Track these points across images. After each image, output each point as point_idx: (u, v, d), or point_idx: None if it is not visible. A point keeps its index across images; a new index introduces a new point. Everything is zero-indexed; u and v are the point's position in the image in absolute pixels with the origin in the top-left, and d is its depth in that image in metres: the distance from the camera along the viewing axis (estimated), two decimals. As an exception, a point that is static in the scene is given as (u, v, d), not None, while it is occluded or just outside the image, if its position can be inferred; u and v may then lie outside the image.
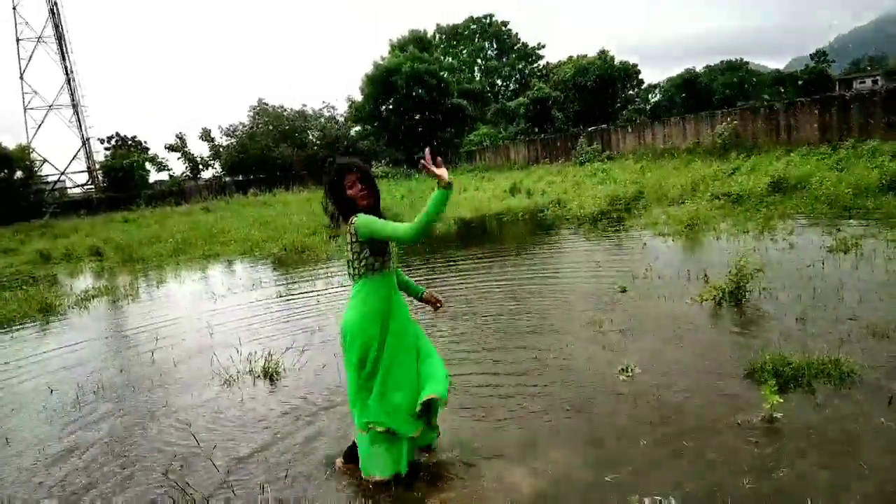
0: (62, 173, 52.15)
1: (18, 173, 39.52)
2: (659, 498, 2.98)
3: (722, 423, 3.65)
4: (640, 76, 56.01)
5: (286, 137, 51.59)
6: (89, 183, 52.12)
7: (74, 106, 52.84)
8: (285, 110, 54.31)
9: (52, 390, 5.53)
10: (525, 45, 65.88)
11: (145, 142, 52.75)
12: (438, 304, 3.73)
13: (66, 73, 53.18)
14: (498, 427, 3.93)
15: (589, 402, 4.15)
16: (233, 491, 3.43)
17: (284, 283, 9.84)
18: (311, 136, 54.13)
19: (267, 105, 54.14)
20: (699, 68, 54.33)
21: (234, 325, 7.25)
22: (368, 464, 3.34)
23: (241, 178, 49.47)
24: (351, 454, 3.52)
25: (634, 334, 5.42)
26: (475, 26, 66.23)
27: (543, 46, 65.93)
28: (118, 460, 4.00)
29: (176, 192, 44.05)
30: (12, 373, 6.23)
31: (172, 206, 35.67)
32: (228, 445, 4.03)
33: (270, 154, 49.41)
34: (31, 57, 52.86)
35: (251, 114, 53.81)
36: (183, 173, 51.59)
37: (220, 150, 51.86)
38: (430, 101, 46.18)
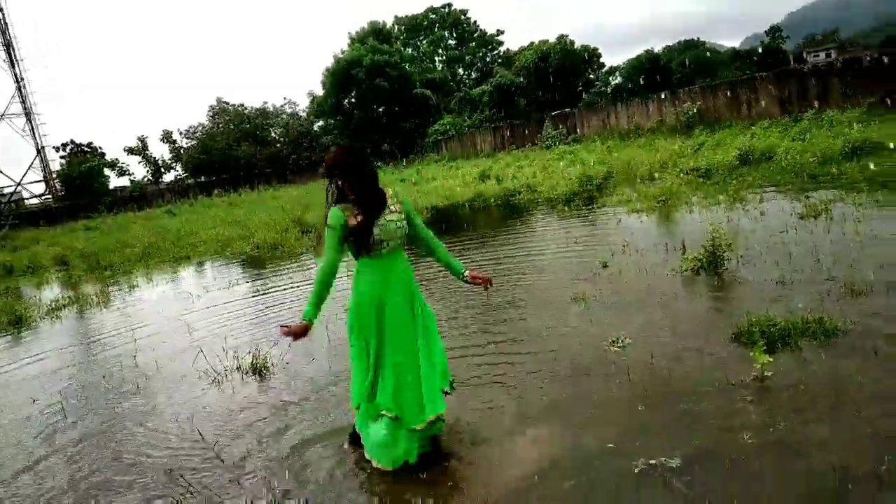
0: (18, 184, 50.50)
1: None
2: (663, 459, 3.02)
3: (715, 385, 3.72)
4: (601, 59, 56.44)
5: (248, 136, 50.82)
6: (47, 192, 50.62)
7: (27, 114, 51.10)
8: (246, 108, 53.50)
9: (34, 400, 5.38)
10: (484, 33, 65.84)
11: (100, 147, 51.30)
12: (487, 284, 3.50)
13: (17, 81, 51.41)
14: (496, 402, 3.95)
15: (583, 373, 4.19)
16: (239, 483, 3.39)
17: (261, 279, 9.71)
18: (273, 134, 53.44)
19: (227, 104, 53.26)
20: (657, 49, 55.01)
21: (215, 325, 7.14)
22: (374, 451, 3.32)
23: (203, 179, 48.61)
24: (355, 437, 3.49)
25: (620, 307, 5.48)
26: (434, 16, 65.94)
27: (502, 32, 66.04)
28: (115, 464, 3.91)
29: (137, 197, 43.09)
30: (-12, 385, 6.04)
31: (135, 212, 34.91)
32: (226, 442, 3.98)
33: (232, 153, 48.63)
34: (-25, 67, 50.93)
35: (210, 114, 52.89)
36: (144, 177, 50.46)
37: (182, 151, 50.87)
38: (392, 92, 45.94)
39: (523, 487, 3.01)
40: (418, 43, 65.18)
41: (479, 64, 64.90)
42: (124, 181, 49.55)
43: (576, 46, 53.21)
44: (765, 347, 3.71)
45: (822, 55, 60.26)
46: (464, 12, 66.92)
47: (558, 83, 50.76)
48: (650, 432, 3.32)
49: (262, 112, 53.35)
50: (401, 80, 46.31)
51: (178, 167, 51.53)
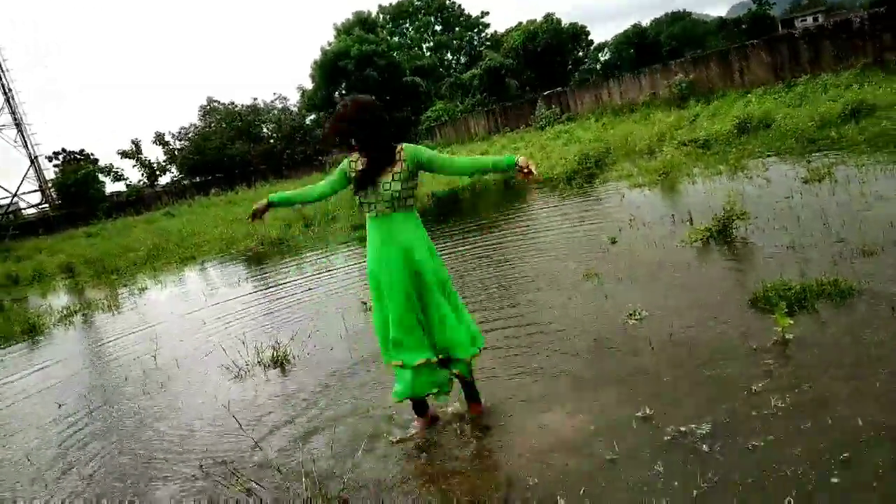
0: (14, 195, 50.35)
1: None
2: (693, 426, 3.08)
3: (737, 351, 3.77)
4: (590, 37, 56.20)
5: (241, 133, 50.63)
6: (43, 202, 50.47)
7: (17, 125, 50.87)
8: (236, 106, 53.25)
9: (59, 405, 5.44)
10: (469, 16, 65.43)
11: (93, 154, 51.00)
12: (528, 172, 3.23)
13: (5, 93, 51.12)
14: (522, 378, 4.02)
15: (605, 346, 4.25)
16: (279, 470, 3.46)
17: (270, 274, 9.76)
18: (265, 130, 53.23)
19: (217, 103, 53.00)
20: (645, 23, 54.79)
21: (229, 321, 7.19)
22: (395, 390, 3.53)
23: (199, 179, 48.49)
24: (418, 405, 3.63)
25: (633, 281, 5.53)
26: (419, 2, 65.47)
27: (487, 14, 65.61)
28: (149, 461, 3.97)
29: (135, 201, 43.01)
30: (7, 394, 6.10)
31: (134, 216, 34.86)
32: (258, 431, 4.03)
33: (226, 152, 48.48)
34: (-39, 80, 50.57)
35: (201, 113, 52.64)
36: (140, 181, 50.32)
37: (176, 153, 50.69)
38: (382, 81, 45.68)
39: (557, 460, 3.07)
40: (405, 30, 64.77)
41: (466, 48, 64.57)
42: (120, 186, 49.46)
43: (563, 24, 52.95)
44: (786, 310, 3.76)
45: (810, 20, 60.02)
46: (449, -4, 66.47)
47: (547, 62, 50.55)
48: (677, 401, 3.38)
49: (253, 109, 53.10)
50: (390, 68, 46.08)
51: (174, 169, 51.39)
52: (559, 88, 34.09)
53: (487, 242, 8.62)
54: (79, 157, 50.89)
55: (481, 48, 59.35)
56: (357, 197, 3.36)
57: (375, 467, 3.35)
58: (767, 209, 6.75)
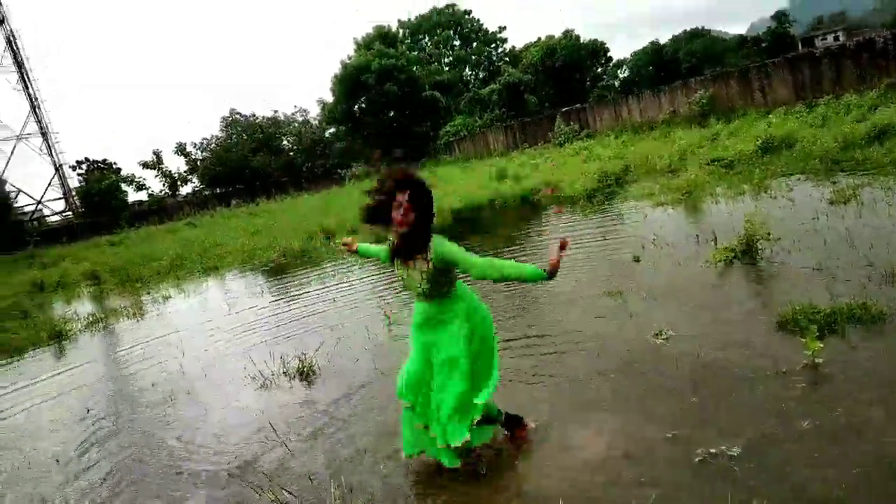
0: (39, 202, 51.31)
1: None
2: (723, 447, 3.09)
3: (766, 373, 3.77)
4: (609, 53, 56.30)
5: (262, 145, 51.25)
6: (67, 210, 51.35)
7: (43, 134, 51.91)
8: (258, 118, 53.95)
9: (88, 410, 5.54)
10: (487, 31, 65.87)
11: (115, 163, 51.91)
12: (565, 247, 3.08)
13: (31, 102, 52.24)
14: (548, 395, 4.05)
15: (631, 365, 4.27)
16: (310, 480, 3.51)
17: (293, 285, 9.86)
18: (286, 142, 53.84)
19: (240, 115, 53.75)
20: (664, 40, 54.79)
21: (254, 331, 7.28)
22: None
23: (220, 190, 49.13)
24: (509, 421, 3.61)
25: (658, 300, 5.54)
26: (439, 17, 66.03)
27: (504, 29, 66.02)
28: (177, 465, 4.04)
29: (157, 210, 43.64)
30: (37, 400, 6.21)
31: (156, 225, 35.34)
32: (287, 439, 4.09)
33: (248, 164, 49.09)
34: (-9, 89, 51.93)
35: (223, 125, 53.39)
36: (161, 191, 51.05)
37: (198, 163, 51.40)
38: (402, 95, 46.08)
39: (587, 478, 3.09)
40: (424, 45, 65.33)
41: (485, 63, 64.93)
42: (142, 195, 50.21)
43: (582, 41, 53.13)
44: (816, 334, 3.76)
45: (831, 38, 59.75)
46: (468, 12, 67.00)
47: (566, 78, 50.69)
48: (706, 421, 3.38)
49: (274, 121, 53.80)
50: (410, 83, 46.46)
51: (195, 179, 52.08)
52: (578, 105, 34.15)
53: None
54: (102, 166, 51.78)
55: (499, 63, 59.64)
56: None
57: (402, 480, 3.39)
58: (793, 230, 6.72)
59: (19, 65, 51.47)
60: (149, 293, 12.09)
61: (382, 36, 50.62)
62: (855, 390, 3.39)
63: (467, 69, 65.17)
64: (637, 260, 6.94)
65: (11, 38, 51.12)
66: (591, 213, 11.02)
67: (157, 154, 50.89)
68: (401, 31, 62.66)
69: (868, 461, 2.79)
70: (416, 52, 59.31)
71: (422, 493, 3.26)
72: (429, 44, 65.63)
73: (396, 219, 3.11)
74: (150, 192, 50.06)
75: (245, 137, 51.69)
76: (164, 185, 51.45)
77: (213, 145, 51.77)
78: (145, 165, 50.56)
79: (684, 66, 53.31)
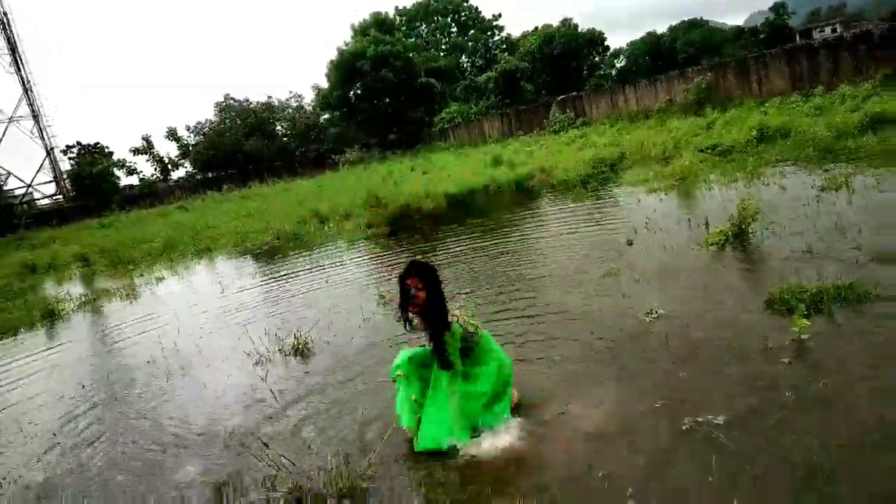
0: (29, 185, 50.92)
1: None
2: (709, 417, 3.16)
3: (753, 350, 3.84)
4: (606, 42, 56.13)
5: (255, 130, 50.93)
6: (57, 193, 50.99)
7: (35, 117, 51.40)
8: (251, 103, 53.57)
9: (82, 385, 5.57)
10: (483, 19, 65.56)
11: (107, 147, 51.46)
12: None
13: (24, 85, 51.68)
14: (543, 371, 4.11)
15: (623, 343, 4.33)
16: (309, 447, 3.55)
17: (286, 266, 9.87)
18: (279, 127, 53.53)
19: (233, 100, 53.36)
20: (661, 30, 54.64)
21: (248, 310, 7.31)
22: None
23: (212, 175, 48.85)
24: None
25: (650, 281, 5.60)
26: (435, 4, 65.66)
27: (499, 17, 65.75)
28: (178, 437, 4.08)
29: (148, 194, 43.37)
30: (31, 375, 6.23)
31: (147, 209, 35.15)
32: (286, 411, 4.13)
33: (241, 148, 48.82)
34: (-19, 72, 51.27)
35: (217, 109, 52.99)
36: (153, 175, 50.71)
37: (190, 148, 51.04)
38: (397, 82, 45.87)
39: (581, 446, 3.16)
40: (420, 32, 64.97)
41: (481, 50, 64.68)
42: (133, 180, 49.87)
43: (580, 30, 52.93)
44: (805, 312, 3.82)
45: (828, 30, 59.72)
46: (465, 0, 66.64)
47: (563, 67, 50.54)
48: (693, 394, 3.45)
49: (268, 106, 53.42)
50: (405, 69, 46.24)
51: (187, 163, 51.73)
52: (574, 93, 34.08)
53: (507, 242, 8.70)
54: (94, 150, 51.39)
55: (496, 51, 59.43)
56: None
57: (400, 448, 3.45)
58: (784, 216, 6.78)
59: (12, 48, 50.91)
60: (142, 275, 12.08)
61: (379, 22, 50.32)
62: (838, 365, 3.46)
63: (464, 57, 64.92)
64: (630, 243, 7.00)
65: (4, 20, 50.54)
66: (587, 197, 11.06)
67: (146, 139, 50.46)
68: (397, 17, 62.33)
69: (851, 431, 2.86)
70: (412, 39, 59.04)
71: (419, 461, 3.31)
72: (425, 31, 65.31)
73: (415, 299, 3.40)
74: (141, 176, 49.76)
75: (238, 122, 51.35)
76: (155, 169, 51.11)
77: (205, 130, 51.39)
78: (136, 151, 50.14)
79: (681, 56, 53.25)
